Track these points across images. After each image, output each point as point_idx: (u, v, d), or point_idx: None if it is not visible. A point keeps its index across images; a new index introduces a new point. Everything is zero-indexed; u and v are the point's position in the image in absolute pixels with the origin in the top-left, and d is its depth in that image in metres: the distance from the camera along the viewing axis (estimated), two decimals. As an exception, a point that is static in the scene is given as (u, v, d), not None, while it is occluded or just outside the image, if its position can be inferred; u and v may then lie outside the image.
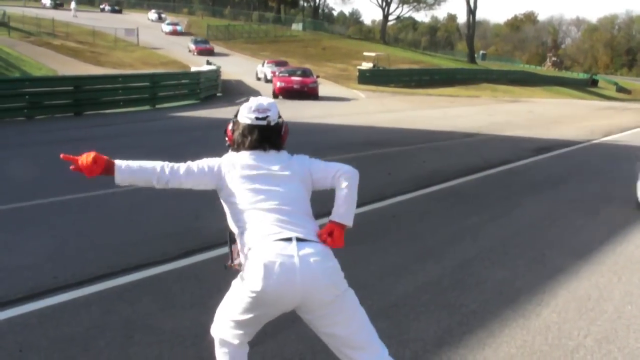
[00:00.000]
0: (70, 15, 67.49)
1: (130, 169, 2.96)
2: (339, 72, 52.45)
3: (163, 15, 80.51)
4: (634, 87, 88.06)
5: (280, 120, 3.16)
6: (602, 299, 5.21)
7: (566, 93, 62.86)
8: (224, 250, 6.18)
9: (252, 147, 3.05)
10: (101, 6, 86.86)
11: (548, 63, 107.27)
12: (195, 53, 55.66)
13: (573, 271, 5.91)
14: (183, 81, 28.98)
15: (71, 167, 2.93)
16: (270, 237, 2.84)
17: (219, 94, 32.13)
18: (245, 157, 3.03)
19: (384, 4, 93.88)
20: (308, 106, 27.42)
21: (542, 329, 4.54)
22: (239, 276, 2.96)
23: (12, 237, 6.59)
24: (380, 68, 53.22)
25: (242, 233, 2.97)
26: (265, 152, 3.05)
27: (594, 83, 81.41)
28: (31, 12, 61.22)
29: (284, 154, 3.11)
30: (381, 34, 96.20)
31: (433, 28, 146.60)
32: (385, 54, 60.76)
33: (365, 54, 58.17)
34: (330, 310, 2.84)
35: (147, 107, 24.52)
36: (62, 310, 4.68)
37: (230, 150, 3.16)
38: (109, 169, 2.92)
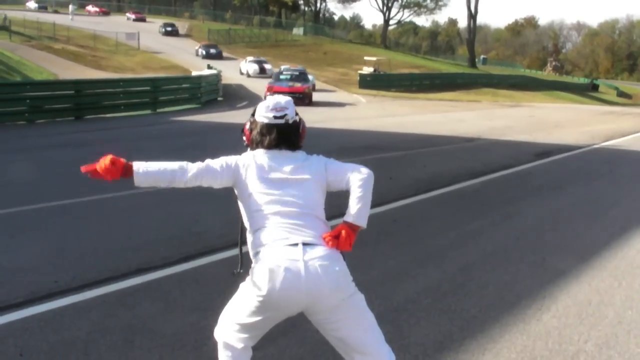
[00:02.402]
0: (69, 19, 67.26)
1: (149, 171, 2.95)
2: (340, 77, 52.47)
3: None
4: (635, 92, 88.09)
5: (298, 118, 3.16)
6: (602, 304, 5.21)
7: (567, 98, 62.86)
8: (225, 254, 6.20)
9: (271, 145, 3.04)
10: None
11: (549, 68, 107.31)
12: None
13: (574, 276, 5.91)
14: (184, 85, 28.97)
15: (90, 175, 2.92)
16: (278, 241, 2.85)
17: (219, 98, 32.12)
18: (261, 157, 3.02)
19: (385, 8, 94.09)
20: (308, 111, 27.43)
21: (542, 334, 4.53)
22: (246, 279, 2.96)
23: (12, 241, 6.59)
24: (381, 72, 53.24)
25: (252, 233, 2.98)
26: (280, 151, 3.04)
27: (595, 88, 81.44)
28: (32, 16, 61.31)
29: (300, 153, 3.10)
30: (382, 38, 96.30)
31: (434, 33, 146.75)
32: (386, 58, 60.87)
33: (366, 58, 58.20)
34: (337, 314, 2.84)
35: (148, 112, 24.52)
36: (62, 314, 4.68)
37: (248, 150, 3.16)
38: (128, 171, 2.92)
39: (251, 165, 3.00)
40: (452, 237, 7.26)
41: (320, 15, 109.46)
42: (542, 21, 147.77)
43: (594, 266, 6.27)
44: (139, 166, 2.93)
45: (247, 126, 3.17)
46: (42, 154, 13.29)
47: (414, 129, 20.69)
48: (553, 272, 5.99)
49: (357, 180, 2.98)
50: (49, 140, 16.08)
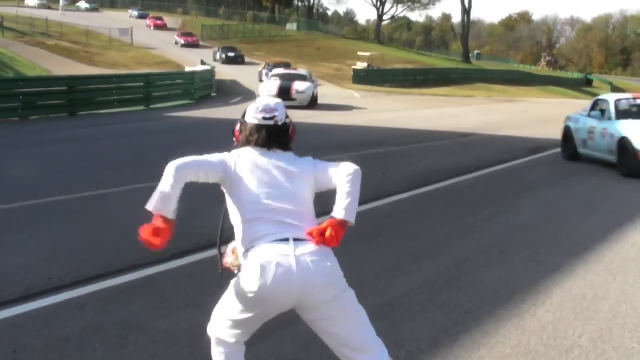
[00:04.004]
0: (60, 14, 66.57)
1: (174, 204, 2.99)
2: (334, 72, 52.45)
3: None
4: (629, 87, 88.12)
5: (288, 120, 3.17)
6: (597, 298, 5.21)
7: (561, 93, 62.96)
8: (216, 252, 6.18)
9: (259, 144, 3.05)
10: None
11: (543, 63, 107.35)
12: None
13: (568, 270, 5.91)
14: (177, 81, 28.96)
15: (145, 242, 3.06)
16: (268, 237, 2.85)
17: (213, 94, 32.10)
18: (251, 153, 3.03)
19: (379, 3, 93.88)
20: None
21: (537, 328, 4.53)
22: (237, 275, 2.95)
23: (6, 238, 6.57)
24: (375, 68, 53.23)
25: (242, 230, 2.97)
26: (270, 150, 3.04)
27: (589, 83, 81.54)
28: (25, 12, 61.04)
29: (289, 154, 3.10)
30: (376, 33, 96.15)
31: (428, 28, 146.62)
32: (380, 53, 60.78)
33: (360, 53, 58.15)
34: (329, 310, 2.84)
35: (141, 108, 24.48)
36: (56, 311, 4.66)
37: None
38: (168, 222, 3.03)
39: (240, 161, 3.00)
40: (447, 232, 7.26)
41: (314, 10, 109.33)
42: (536, 16, 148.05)
43: (589, 260, 6.28)
44: (170, 210, 2.99)
45: (237, 127, 3.18)
46: (36, 150, 13.25)
47: (408, 124, 20.69)
48: (548, 267, 5.99)
49: (345, 176, 2.98)
50: (42, 136, 16.03)
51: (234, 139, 3.20)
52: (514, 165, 12.62)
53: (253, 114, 3.10)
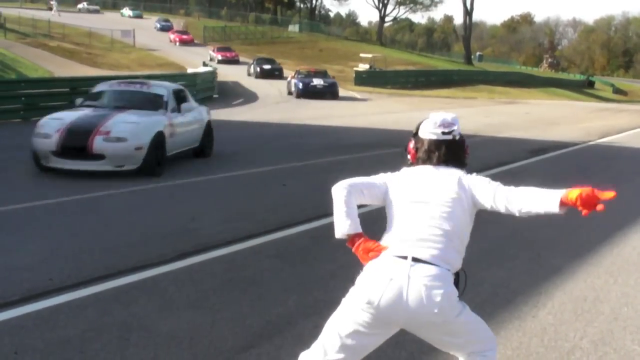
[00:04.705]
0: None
1: (356, 216, 2.92)
2: (336, 74, 52.18)
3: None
4: (631, 89, 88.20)
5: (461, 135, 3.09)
6: (598, 300, 5.21)
7: (563, 94, 62.89)
8: (221, 252, 6.20)
9: (440, 162, 2.98)
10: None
11: (545, 64, 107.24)
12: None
13: (569, 272, 5.91)
14: (179, 83, 28.88)
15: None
16: (391, 251, 2.80)
17: (215, 96, 32.07)
18: (413, 172, 3.00)
19: (381, 5, 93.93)
20: (304, 108, 27.44)
21: (538, 330, 4.53)
22: (349, 290, 2.89)
23: (8, 239, 6.57)
24: (377, 69, 53.22)
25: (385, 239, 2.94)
26: (435, 167, 2.98)
27: (591, 84, 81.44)
28: (27, 13, 61.11)
29: (457, 172, 3.00)
30: (378, 35, 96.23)
31: (430, 29, 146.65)
32: (381, 55, 60.75)
33: (362, 55, 58.14)
34: (440, 332, 2.82)
35: (143, 109, 24.43)
36: (58, 312, 4.67)
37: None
38: (360, 235, 2.90)
39: (401, 180, 2.98)
40: (448, 234, 7.24)
41: (316, 12, 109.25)
42: (538, 18, 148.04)
43: (590, 263, 6.28)
44: (357, 227, 2.90)
45: (412, 145, 3.12)
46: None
47: (410, 126, 20.58)
48: (548, 269, 5.99)
49: (508, 196, 2.95)
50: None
51: (409, 157, 3.13)
52: (516, 167, 12.61)
53: (430, 129, 3.02)
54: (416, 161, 3.07)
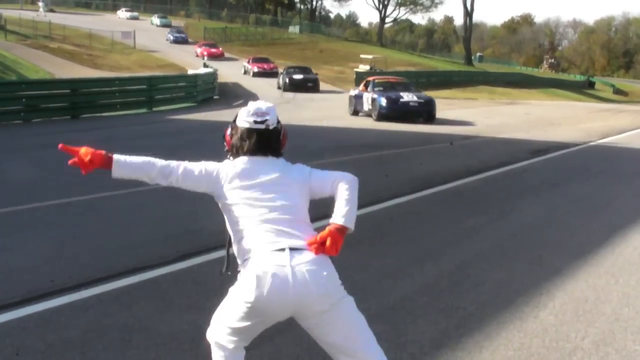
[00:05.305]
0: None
1: (128, 165, 2.99)
2: (336, 75, 52.45)
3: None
4: (631, 89, 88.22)
5: (279, 125, 3.15)
6: (599, 301, 5.21)
7: (563, 95, 62.88)
8: (222, 253, 6.18)
9: (251, 151, 3.03)
10: None
11: (545, 65, 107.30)
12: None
13: (570, 273, 5.91)
14: (180, 84, 28.96)
15: (69, 161, 2.94)
16: (265, 247, 2.84)
17: (216, 97, 32.10)
18: (242, 164, 3.01)
19: (381, 6, 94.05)
20: (304, 109, 27.44)
21: (539, 331, 4.53)
22: (235, 284, 2.95)
23: (9, 240, 6.58)
24: (377, 70, 53.18)
25: (238, 241, 2.97)
26: (264, 157, 3.03)
27: (591, 85, 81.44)
28: (28, 15, 61.15)
29: (281, 161, 3.09)
30: (378, 36, 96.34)
31: (430, 30, 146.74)
32: (382, 56, 60.75)
33: (362, 56, 58.11)
34: (326, 319, 2.82)
35: (144, 110, 24.48)
36: (59, 313, 4.67)
37: (228, 156, 3.14)
38: (107, 164, 2.95)
39: (233, 172, 2.99)
40: (449, 235, 7.26)
41: (316, 13, 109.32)
42: (538, 18, 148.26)
43: (591, 263, 6.27)
44: (118, 159, 2.98)
45: (228, 132, 3.16)
46: (38, 153, 13.25)
47: (410, 127, 20.68)
48: (550, 270, 5.99)
49: (343, 184, 2.98)
50: (44, 139, 16.01)
51: (225, 144, 3.18)
52: (516, 168, 12.60)
53: (244, 118, 3.07)
54: (231, 148, 3.12)
